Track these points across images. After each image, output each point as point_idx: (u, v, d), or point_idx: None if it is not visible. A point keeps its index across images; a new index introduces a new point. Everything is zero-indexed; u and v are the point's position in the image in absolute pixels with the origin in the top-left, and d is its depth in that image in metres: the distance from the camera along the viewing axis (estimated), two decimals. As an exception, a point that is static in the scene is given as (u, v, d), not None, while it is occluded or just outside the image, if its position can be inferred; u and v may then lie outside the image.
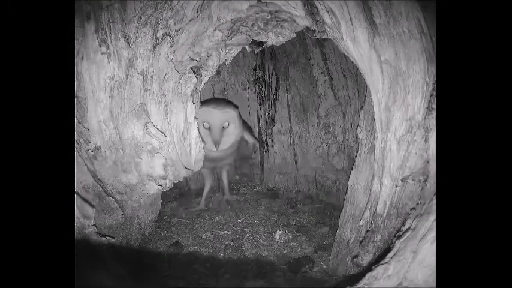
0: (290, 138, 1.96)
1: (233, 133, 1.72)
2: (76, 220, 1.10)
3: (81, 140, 1.16)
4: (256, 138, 2.01)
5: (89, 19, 1.06)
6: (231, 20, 1.18)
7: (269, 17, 1.18)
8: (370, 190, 1.14)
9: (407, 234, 0.88)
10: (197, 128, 1.34)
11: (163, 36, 1.16)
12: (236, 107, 1.80)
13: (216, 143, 1.63)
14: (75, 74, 1.10)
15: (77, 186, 1.16)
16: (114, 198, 1.22)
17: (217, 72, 1.81)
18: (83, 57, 1.09)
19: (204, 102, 1.72)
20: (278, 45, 1.27)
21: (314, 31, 1.15)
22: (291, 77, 1.84)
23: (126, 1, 1.08)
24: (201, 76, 1.30)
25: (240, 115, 1.80)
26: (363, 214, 1.16)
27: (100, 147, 1.17)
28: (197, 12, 1.15)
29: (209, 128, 1.64)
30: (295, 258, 1.42)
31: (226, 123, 1.67)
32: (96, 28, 1.07)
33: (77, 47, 1.07)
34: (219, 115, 1.64)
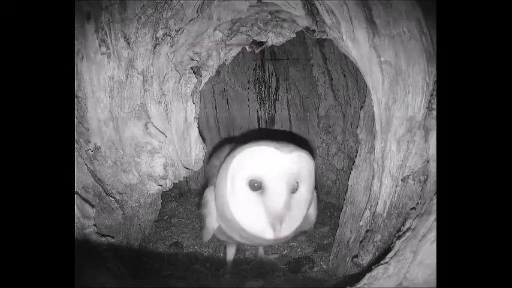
0: (290, 138, 1.96)
1: (303, 204, 0.97)
2: (76, 220, 1.10)
3: (81, 140, 1.16)
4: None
5: (89, 19, 1.06)
6: (231, 20, 1.18)
7: (269, 17, 1.18)
8: (370, 190, 1.14)
9: (407, 234, 0.88)
10: (197, 128, 1.33)
11: (163, 36, 1.16)
12: (310, 149, 1.10)
13: (276, 225, 0.88)
14: (75, 74, 1.10)
15: (77, 186, 1.16)
16: (114, 198, 1.22)
17: (217, 72, 1.81)
18: (83, 58, 1.09)
19: (246, 136, 1.11)
20: (278, 45, 1.27)
21: (314, 31, 1.15)
22: (291, 77, 1.84)
23: (126, 1, 1.08)
24: (201, 76, 1.30)
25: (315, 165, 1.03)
26: (363, 214, 1.16)
27: (100, 147, 1.17)
28: (197, 12, 1.15)
29: (260, 190, 0.91)
30: (295, 258, 1.42)
31: (296, 182, 0.93)
32: (96, 28, 1.07)
33: (77, 47, 1.07)
34: (287, 166, 0.90)
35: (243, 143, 1.02)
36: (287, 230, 0.95)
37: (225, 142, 1.37)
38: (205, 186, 1.22)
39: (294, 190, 0.94)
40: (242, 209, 0.94)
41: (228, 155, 1.05)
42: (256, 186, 0.91)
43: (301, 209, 0.98)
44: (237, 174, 0.94)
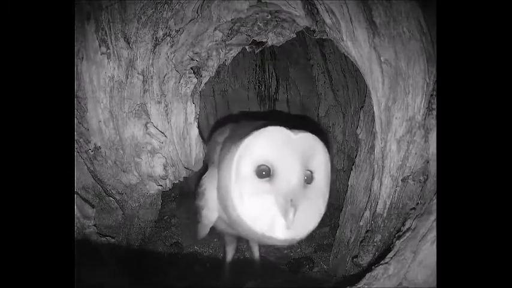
0: (290, 138, 1.96)
1: (321, 197, 0.89)
2: (76, 220, 1.10)
3: (81, 140, 1.16)
4: None
5: (89, 19, 1.06)
6: (231, 20, 1.18)
7: (269, 17, 1.18)
8: (370, 190, 1.14)
9: (407, 234, 0.88)
10: (197, 128, 1.33)
11: (163, 36, 1.15)
12: (323, 135, 0.94)
13: (288, 210, 0.77)
14: (75, 74, 1.10)
15: (77, 186, 1.16)
16: (114, 198, 1.22)
17: (217, 72, 1.81)
18: (83, 58, 1.09)
19: (249, 116, 0.99)
20: (278, 45, 1.27)
21: (314, 31, 1.15)
22: (291, 77, 1.84)
23: (126, 1, 1.08)
24: (201, 76, 1.30)
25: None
26: (363, 214, 1.16)
27: (100, 147, 1.17)
28: (197, 12, 1.15)
29: (269, 177, 0.81)
30: (295, 258, 1.41)
31: (309, 171, 0.84)
32: (96, 28, 1.07)
33: (77, 47, 1.07)
34: (299, 147, 0.82)
35: (249, 120, 0.97)
36: (302, 227, 0.83)
37: (228, 119, 1.23)
38: (202, 172, 1.06)
39: (308, 179, 0.84)
40: (248, 203, 0.80)
41: (231, 134, 0.98)
42: (264, 173, 0.80)
43: (318, 204, 0.86)
44: (243, 160, 0.81)
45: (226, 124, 1.19)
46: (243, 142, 0.83)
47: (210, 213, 0.95)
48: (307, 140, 0.85)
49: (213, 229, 1.03)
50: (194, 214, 1.01)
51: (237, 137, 0.88)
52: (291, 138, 0.82)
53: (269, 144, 0.82)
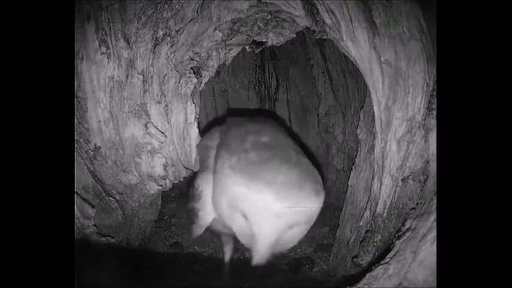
0: (290, 138, 1.96)
1: (296, 238, 0.92)
2: (76, 220, 1.10)
3: (81, 140, 1.16)
4: None
5: (89, 19, 1.06)
6: (231, 20, 1.18)
7: (269, 17, 1.18)
8: (370, 190, 1.14)
9: (407, 234, 0.88)
10: (197, 128, 1.33)
11: (163, 36, 1.15)
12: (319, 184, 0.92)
13: (260, 260, 0.83)
14: (75, 74, 1.09)
15: (77, 186, 1.16)
16: (114, 198, 1.22)
17: (217, 72, 1.81)
18: (83, 58, 1.09)
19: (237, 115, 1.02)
20: (278, 45, 1.27)
21: (314, 31, 1.15)
22: (291, 77, 1.84)
23: (126, 1, 1.08)
24: (201, 76, 1.30)
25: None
26: (363, 214, 1.16)
27: (100, 147, 1.17)
28: (197, 12, 1.15)
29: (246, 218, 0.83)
30: (295, 258, 1.41)
31: (292, 223, 0.82)
32: (96, 28, 1.07)
33: (77, 47, 1.07)
34: (286, 220, 0.80)
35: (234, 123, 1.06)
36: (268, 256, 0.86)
37: (216, 122, 1.29)
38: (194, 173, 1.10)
39: (290, 227, 0.83)
40: (238, 228, 0.88)
41: (222, 138, 1.03)
42: (243, 212, 0.84)
43: (293, 241, 0.92)
44: (232, 205, 0.85)
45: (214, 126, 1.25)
46: (233, 187, 0.84)
47: (207, 215, 1.00)
48: (300, 212, 0.81)
49: (210, 228, 1.07)
50: (190, 215, 1.06)
51: (230, 145, 0.94)
52: (278, 212, 0.78)
53: (253, 206, 0.80)
